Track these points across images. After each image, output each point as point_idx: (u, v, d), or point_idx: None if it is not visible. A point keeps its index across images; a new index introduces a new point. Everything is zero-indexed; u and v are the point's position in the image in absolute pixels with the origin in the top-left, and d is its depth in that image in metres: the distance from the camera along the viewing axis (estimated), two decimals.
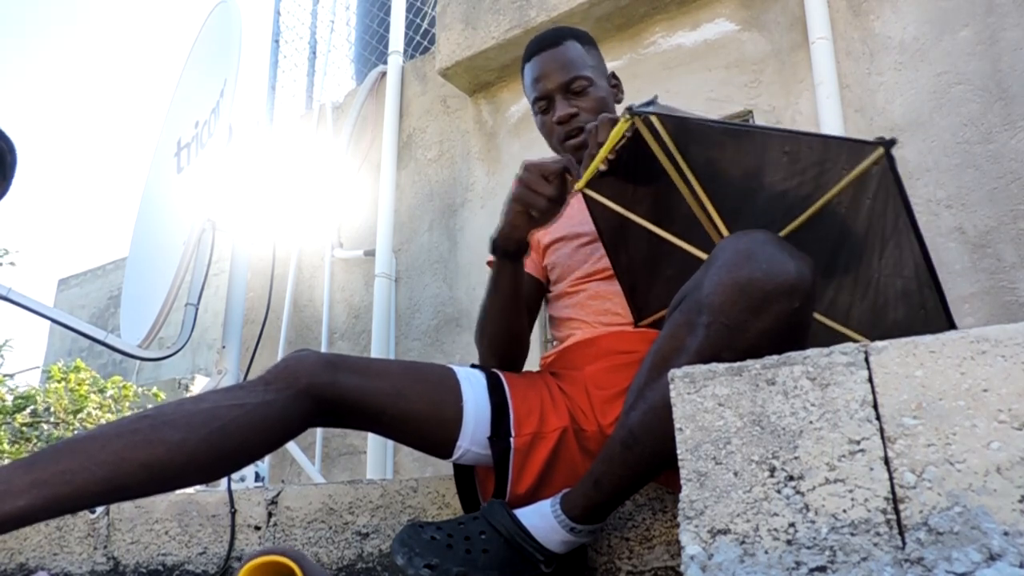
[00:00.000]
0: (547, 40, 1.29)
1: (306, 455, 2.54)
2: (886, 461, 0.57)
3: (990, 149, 1.80)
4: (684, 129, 0.96)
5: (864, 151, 0.83)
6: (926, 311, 0.92)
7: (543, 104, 1.28)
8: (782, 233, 0.95)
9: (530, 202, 1.07)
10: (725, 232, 1.01)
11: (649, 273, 1.14)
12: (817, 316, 1.02)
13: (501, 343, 1.24)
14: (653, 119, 0.94)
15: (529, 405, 1.11)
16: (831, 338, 1.02)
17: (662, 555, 1.08)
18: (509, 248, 1.14)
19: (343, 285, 3.01)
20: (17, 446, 4.02)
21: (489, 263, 1.39)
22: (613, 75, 1.36)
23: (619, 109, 1.34)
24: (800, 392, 0.61)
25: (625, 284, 1.17)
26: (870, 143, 0.82)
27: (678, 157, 0.98)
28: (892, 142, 0.81)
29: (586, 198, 1.09)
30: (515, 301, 1.21)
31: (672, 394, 0.66)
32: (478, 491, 1.16)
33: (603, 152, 0.98)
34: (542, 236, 1.35)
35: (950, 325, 0.90)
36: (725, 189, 0.99)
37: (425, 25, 3.28)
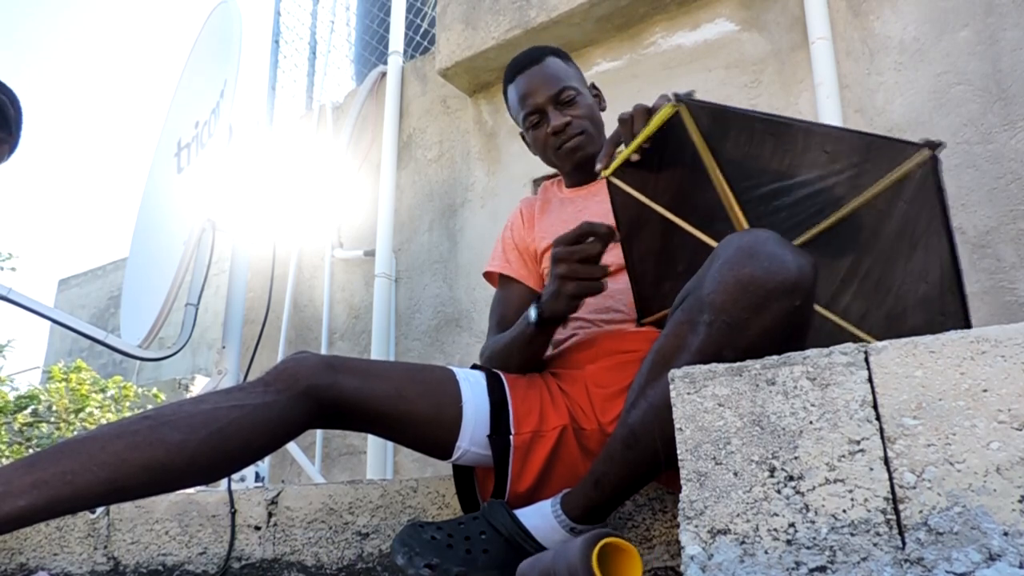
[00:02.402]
0: (528, 58, 1.32)
1: (306, 455, 2.54)
2: (886, 461, 0.57)
3: (990, 149, 1.80)
4: (724, 121, 0.94)
5: (907, 152, 0.81)
6: (945, 317, 0.90)
7: (535, 119, 1.30)
8: (811, 234, 0.94)
9: (589, 291, 1.04)
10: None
11: (660, 269, 1.14)
12: (829, 315, 1.01)
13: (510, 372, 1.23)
14: (687, 112, 0.93)
15: (529, 404, 1.11)
16: (843, 338, 1.01)
17: (662, 555, 1.08)
18: (557, 319, 1.11)
19: (343, 285, 3.01)
20: (17, 446, 4.02)
21: (486, 275, 1.39)
22: (593, 85, 1.40)
23: (604, 118, 1.35)
24: (800, 392, 0.61)
25: (635, 277, 1.16)
26: (915, 144, 0.80)
27: (706, 154, 0.97)
28: (939, 144, 0.79)
29: (610, 186, 1.09)
30: (540, 355, 1.20)
31: (672, 394, 0.66)
32: (478, 492, 1.16)
33: (640, 138, 0.97)
34: (539, 242, 1.35)
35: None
36: (756, 185, 0.97)
37: (425, 25, 3.28)
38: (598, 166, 1.05)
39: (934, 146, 0.79)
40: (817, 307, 1.00)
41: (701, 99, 0.94)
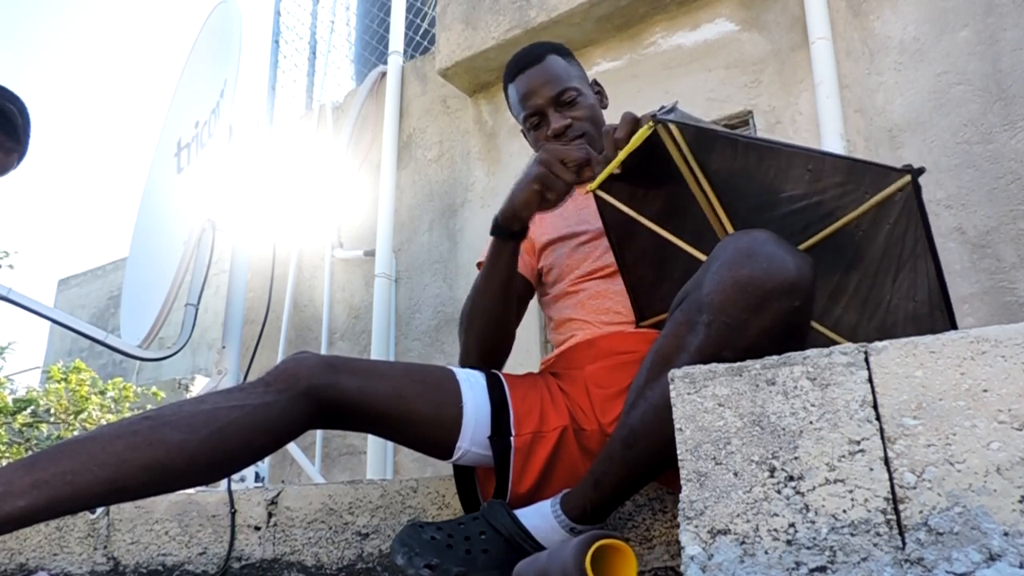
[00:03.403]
0: (529, 57, 1.31)
1: (306, 455, 2.54)
2: (886, 461, 0.57)
3: (990, 149, 1.80)
4: (705, 139, 0.95)
5: (890, 177, 0.83)
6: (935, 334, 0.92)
7: (535, 120, 1.29)
8: (800, 248, 0.94)
9: (549, 184, 1.09)
10: None
11: (655, 274, 1.14)
12: (822, 329, 1.02)
13: (488, 331, 1.23)
14: (674, 128, 0.94)
15: (529, 404, 1.11)
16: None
17: (662, 555, 1.08)
18: (513, 227, 1.15)
19: (343, 285, 3.01)
20: (16, 447, 4.02)
21: (479, 265, 1.39)
22: (595, 82, 1.39)
23: (605, 115, 1.35)
24: (800, 392, 0.61)
25: (629, 283, 1.17)
26: (897, 170, 0.82)
27: (695, 166, 0.97)
28: (920, 171, 0.81)
29: (597, 198, 1.10)
30: (508, 288, 1.20)
31: (672, 394, 0.66)
32: (478, 492, 1.16)
33: (621, 156, 0.98)
34: (538, 236, 1.35)
35: None
36: (742, 200, 0.98)
37: (425, 25, 3.28)
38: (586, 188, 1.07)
39: (915, 172, 0.80)
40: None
41: (682, 115, 0.95)
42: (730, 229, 1.01)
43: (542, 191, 1.10)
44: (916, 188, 0.82)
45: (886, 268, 0.92)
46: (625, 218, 1.09)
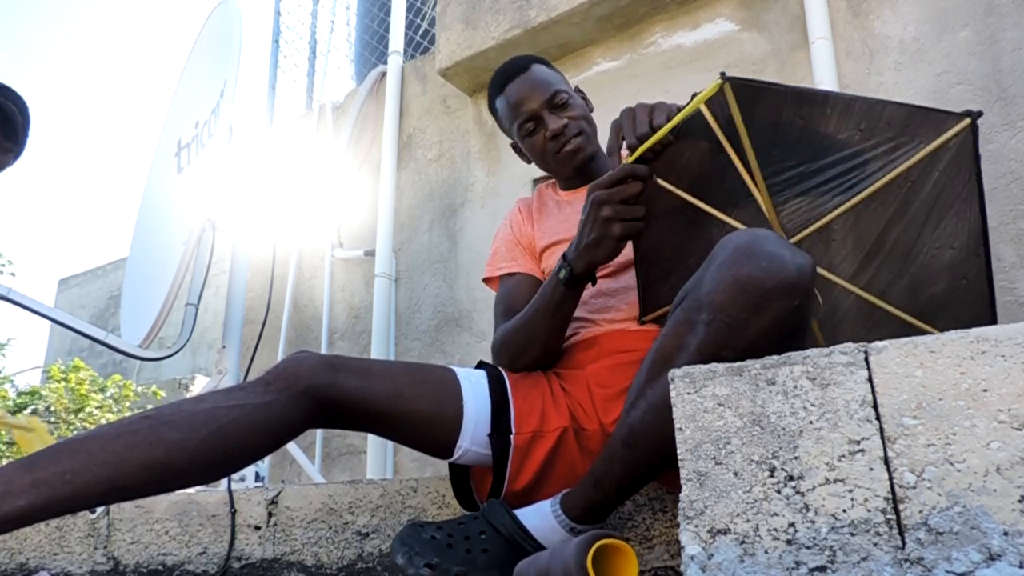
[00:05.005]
0: (514, 67, 1.31)
1: (306, 455, 2.54)
2: (886, 461, 0.57)
3: (990, 149, 1.80)
4: (751, 107, 0.92)
5: (948, 122, 0.82)
6: (968, 280, 0.90)
7: (530, 126, 1.29)
8: (841, 210, 0.93)
9: (633, 231, 1.03)
10: (772, 212, 0.99)
11: (669, 261, 1.12)
12: (853, 288, 1.01)
13: (538, 363, 1.20)
14: (731, 90, 0.90)
15: (530, 403, 1.11)
16: (867, 313, 1.00)
17: (662, 555, 1.08)
18: (592, 269, 1.08)
19: (343, 285, 3.01)
20: (16, 446, 4.02)
21: (486, 280, 1.38)
22: (578, 88, 1.39)
23: (595, 117, 1.35)
24: (800, 392, 0.61)
25: (641, 273, 1.15)
26: (956, 114, 0.81)
27: (744, 134, 0.94)
28: (979, 113, 0.80)
29: None
30: (567, 325, 1.18)
31: (672, 394, 0.66)
32: (473, 490, 1.16)
33: (687, 110, 0.93)
34: (539, 239, 1.35)
35: (990, 292, 0.89)
36: (782, 170, 0.96)
37: (425, 25, 3.28)
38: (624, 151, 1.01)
39: (975, 115, 0.80)
40: (839, 280, 1.00)
41: (741, 76, 0.93)
42: (767, 199, 0.99)
43: (623, 239, 1.03)
44: (974, 131, 0.81)
45: (929, 218, 0.90)
46: (647, 200, 1.06)
